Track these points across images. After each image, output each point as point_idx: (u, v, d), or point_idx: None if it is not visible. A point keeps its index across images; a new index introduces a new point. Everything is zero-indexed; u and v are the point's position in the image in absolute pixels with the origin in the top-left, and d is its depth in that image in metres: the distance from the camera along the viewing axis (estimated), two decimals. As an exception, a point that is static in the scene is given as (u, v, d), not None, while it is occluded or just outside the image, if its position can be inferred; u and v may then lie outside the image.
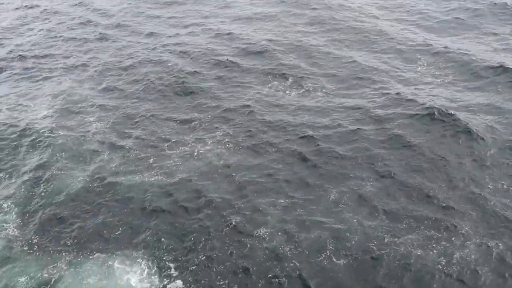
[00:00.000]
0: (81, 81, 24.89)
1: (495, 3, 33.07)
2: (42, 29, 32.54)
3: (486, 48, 26.21)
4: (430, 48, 26.32)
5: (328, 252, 14.05)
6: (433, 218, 15.09)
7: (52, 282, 13.66)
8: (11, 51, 29.00)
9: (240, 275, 13.55)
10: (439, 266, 13.50)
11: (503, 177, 16.51)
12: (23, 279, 13.88)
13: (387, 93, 22.19)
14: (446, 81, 23.26)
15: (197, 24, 31.49)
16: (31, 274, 13.98)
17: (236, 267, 13.79)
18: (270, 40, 27.75)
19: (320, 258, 13.84)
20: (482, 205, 15.42)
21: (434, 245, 14.18)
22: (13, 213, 16.36)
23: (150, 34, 30.27)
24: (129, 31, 31.06)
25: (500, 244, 14.09)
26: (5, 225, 15.83)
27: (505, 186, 16.15)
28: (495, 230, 14.54)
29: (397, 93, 21.98)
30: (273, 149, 18.83)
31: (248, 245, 14.40)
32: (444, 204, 15.60)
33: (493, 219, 14.96)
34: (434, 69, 24.39)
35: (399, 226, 14.89)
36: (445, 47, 26.20)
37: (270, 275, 13.36)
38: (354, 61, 25.45)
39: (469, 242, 14.18)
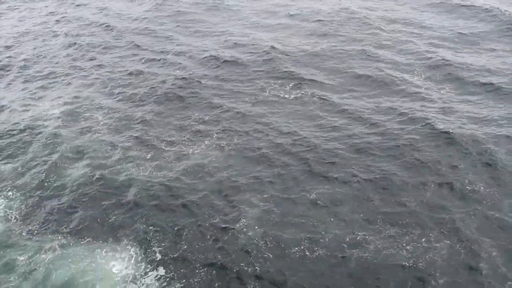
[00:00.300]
0: (91, 83, 26.39)
1: (501, 20, 33.47)
2: (60, 34, 34.37)
3: (484, 63, 26.70)
4: (428, 61, 26.97)
5: (302, 247, 14.94)
6: (406, 220, 15.85)
7: (46, 261, 14.95)
8: (28, 54, 30.80)
9: (218, 263, 14.59)
10: (406, 263, 14.26)
11: (479, 181, 17.20)
12: (22, 258, 15.23)
13: (381, 102, 23.00)
14: (441, 92, 23.90)
15: (205, 32, 32.89)
16: (30, 254, 15.31)
17: (215, 256, 14.84)
18: (273, 48, 28.90)
19: (293, 251, 14.77)
20: (455, 209, 16.12)
21: (404, 245, 14.93)
22: (18, 200, 17.77)
23: (160, 41, 31.76)
24: (141, 38, 32.60)
25: (469, 244, 14.77)
26: (8, 211, 17.24)
27: (481, 189, 16.83)
28: (465, 232, 15.19)
29: (391, 103, 22.79)
30: (265, 151, 19.81)
31: (228, 237, 15.45)
32: (419, 207, 16.34)
33: (467, 221, 15.62)
34: (430, 81, 25.04)
35: (373, 227, 15.69)
36: (444, 60, 26.82)
37: (243, 264, 14.35)
38: (353, 70, 26.32)
39: (438, 244, 14.87)
